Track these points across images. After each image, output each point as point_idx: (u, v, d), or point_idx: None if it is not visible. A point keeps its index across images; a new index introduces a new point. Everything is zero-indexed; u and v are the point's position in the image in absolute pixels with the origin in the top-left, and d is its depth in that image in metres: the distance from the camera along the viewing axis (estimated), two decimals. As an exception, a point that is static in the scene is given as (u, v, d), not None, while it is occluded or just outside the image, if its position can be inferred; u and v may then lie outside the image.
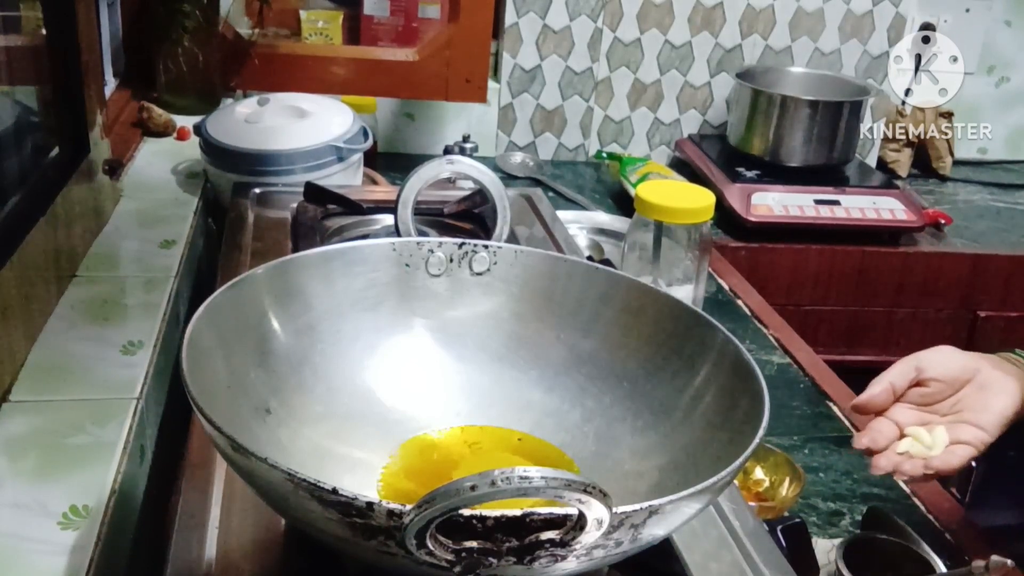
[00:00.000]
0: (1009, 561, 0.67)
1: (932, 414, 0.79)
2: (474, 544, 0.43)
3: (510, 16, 1.75)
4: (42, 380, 0.82)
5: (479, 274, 0.70)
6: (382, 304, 0.69)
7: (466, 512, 0.41)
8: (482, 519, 0.42)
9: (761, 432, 0.52)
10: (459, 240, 0.70)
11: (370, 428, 0.64)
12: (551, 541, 0.43)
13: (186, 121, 1.46)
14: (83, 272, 1.01)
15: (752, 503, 0.82)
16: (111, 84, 1.52)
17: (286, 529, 0.60)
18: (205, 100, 1.55)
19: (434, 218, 1.11)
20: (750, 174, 1.67)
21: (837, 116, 1.67)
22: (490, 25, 1.59)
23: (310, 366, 0.65)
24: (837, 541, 0.78)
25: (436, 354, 0.70)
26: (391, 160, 1.71)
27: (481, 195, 1.06)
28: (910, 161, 1.98)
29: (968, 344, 1.68)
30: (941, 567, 0.76)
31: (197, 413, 0.48)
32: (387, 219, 1.08)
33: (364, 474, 0.61)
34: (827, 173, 1.70)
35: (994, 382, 0.78)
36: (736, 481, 0.78)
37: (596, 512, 0.42)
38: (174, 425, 0.88)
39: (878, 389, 0.78)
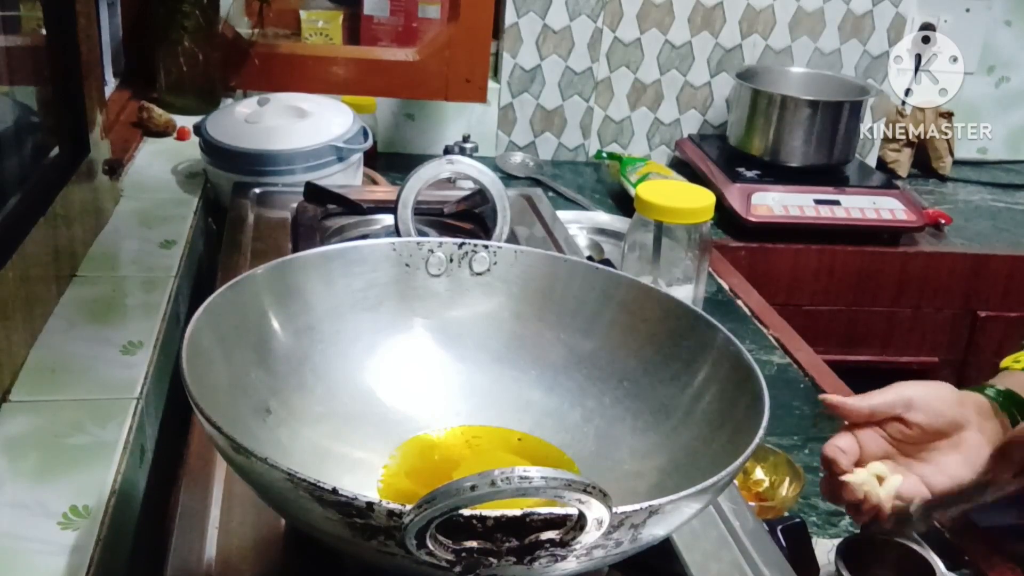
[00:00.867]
0: None
1: (895, 450, 0.76)
2: (474, 544, 0.43)
3: (510, 16, 1.75)
4: (42, 380, 0.82)
5: (479, 274, 0.70)
6: (382, 304, 0.69)
7: (466, 512, 0.41)
8: (482, 519, 0.42)
9: (761, 432, 0.52)
10: (459, 240, 0.70)
11: (370, 428, 0.64)
12: (551, 541, 0.43)
13: (186, 121, 1.46)
14: (83, 272, 1.01)
15: (752, 503, 0.82)
16: (111, 84, 1.52)
17: (286, 529, 0.60)
18: (205, 100, 1.55)
19: (434, 218, 1.11)
20: (750, 174, 1.67)
21: (837, 116, 1.67)
22: (490, 25, 1.59)
23: (310, 366, 0.65)
24: (837, 541, 0.78)
25: (436, 354, 0.70)
26: (391, 160, 1.71)
27: (481, 195, 1.06)
28: (910, 161, 1.98)
29: (968, 344, 1.68)
30: (941, 567, 0.76)
31: (197, 413, 0.48)
32: (387, 219, 1.08)
33: (364, 474, 0.61)
34: (827, 173, 1.70)
35: (969, 449, 0.75)
36: (736, 481, 0.78)
37: (596, 512, 0.42)
38: (174, 425, 0.88)
39: (857, 409, 0.75)
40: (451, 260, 0.70)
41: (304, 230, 1.06)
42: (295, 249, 1.01)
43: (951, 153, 2.00)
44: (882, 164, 1.95)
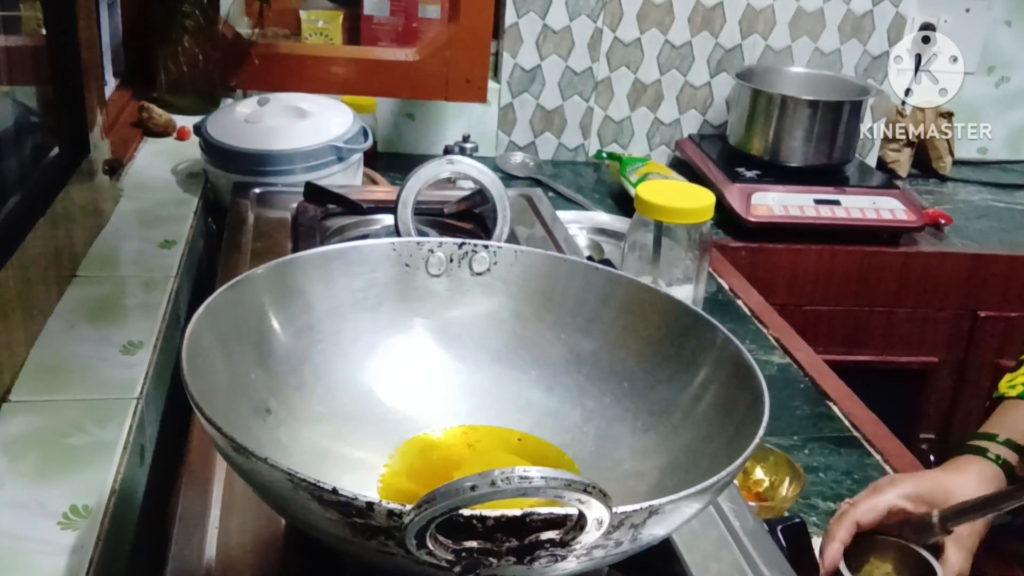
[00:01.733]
0: None
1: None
2: (474, 544, 0.43)
3: (510, 16, 1.75)
4: (42, 380, 0.82)
5: (479, 274, 0.70)
6: (382, 304, 0.69)
7: (466, 512, 0.41)
8: (482, 519, 0.42)
9: (761, 432, 0.52)
10: (459, 240, 0.70)
11: (370, 428, 0.64)
12: (551, 541, 0.43)
13: (186, 121, 1.46)
14: (83, 272, 1.01)
15: (752, 503, 0.82)
16: (111, 84, 1.52)
17: (286, 529, 0.60)
18: (205, 100, 1.55)
19: (434, 218, 1.11)
20: (750, 174, 1.67)
21: (837, 116, 1.67)
22: (490, 25, 1.59)
23: (310, 366, 0.65)
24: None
25: (436, 354, 0.70)
26: (391, 160, 1.71)
27: (481, 195, 1.06)
28: (910, 161, 1.98)
29: (968, 344, 1.68)
30: (940, 568, 0.76)
31: (197, 413, 0.48)
32: (387, 219, 1.08)
33: (364, 474, 0.61)
34: (827, 173, 1.70)
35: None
36: (736, 481, 0.78)
37: (596, 512, 0.42)
38: (174, 425, 0.88)
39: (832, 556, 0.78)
40: (451, 260, 0.70)
41: (304, 230, 1.06)
42: (295, 249, 1.01)
43: (951, 153, 2.00)
44: (882, 164, 1.95)
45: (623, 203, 1.64)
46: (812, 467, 0.98)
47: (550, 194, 1.65)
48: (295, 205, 1.13)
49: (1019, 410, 0.84)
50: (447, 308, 0.70)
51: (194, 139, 1.32)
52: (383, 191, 1.31)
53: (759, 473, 0.90)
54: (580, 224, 1.44)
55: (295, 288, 0.65)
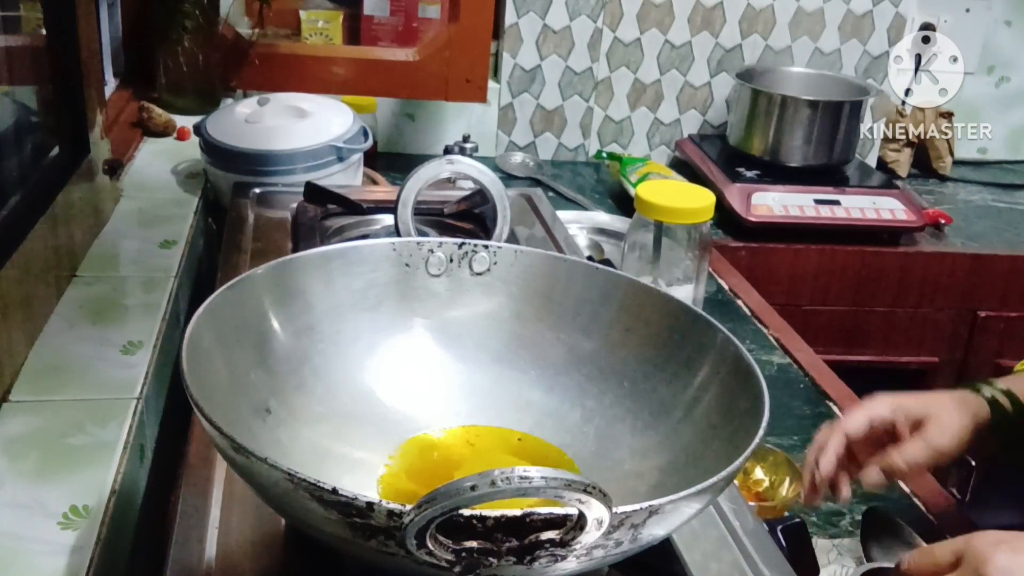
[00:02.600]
0: None
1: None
2: (474, 544, 0.43)
3: (510, 16, 1.75)
4: (42, 380, 0.82)
5: (479, 274, 0.70)
6: (382, 304, 0.69)
7: (466, 512, 0.41)
8: (482, 519, 0.42)
9: (761, 432, 0.52)
10: (459, 240, 0.70)
11: (370, 428, 0.64)
12: (551, 541, 0.43)
13: (186, 121, 1.47)
14: (83, 272, 1.01)
15: (752, 503, 0.82)
16: (111, 84, 1.52)
17: (286, 529, 0.60)
18: (205, 100, 1.55)
19: (434, 218, 1.11)
20: (750, 174, 1.67)
21: (837, 116, 1.67)
22: (490, 25, 1.59)
23: (310, 366, 0.65)
24: (837, 541, 0.78)
25: (436, 354, 0.70)
26: (391, 160, 1.71)
27: (481, 195, 1.06)
28: (910, 161, 1.98)
29: (968, 344, 1.68)
30: None
31: (197, 413, 0.48)
32: (387, 219, 1.08)
33: (364, 474, 0.61)
34: (827, 173, 1.70)
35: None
36: (736, 481, 0.78)
37: (596, 512, 0.42)
38: (174, 425, 0.88)
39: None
40: (451, 260, 0.70)
41: (304, 230, 1.06)
42: (295, 249, 1.01)
43: (951, 153, 2.00)
44: (882, 164, 1.95)
45: (623, 203, 1.64)
46: (812, 467, 0.98)
47: (550, 194, 1.65)
48: (295, 205, 1.13)
49: None
50: (447, 308, 0.70)
51: (194, 139, 1.32)
52: (383, 191, 1.31)
53: (759, 473, 0.90)
54: (580, 224, 1.44)
55: (295, 288, 0.65)
